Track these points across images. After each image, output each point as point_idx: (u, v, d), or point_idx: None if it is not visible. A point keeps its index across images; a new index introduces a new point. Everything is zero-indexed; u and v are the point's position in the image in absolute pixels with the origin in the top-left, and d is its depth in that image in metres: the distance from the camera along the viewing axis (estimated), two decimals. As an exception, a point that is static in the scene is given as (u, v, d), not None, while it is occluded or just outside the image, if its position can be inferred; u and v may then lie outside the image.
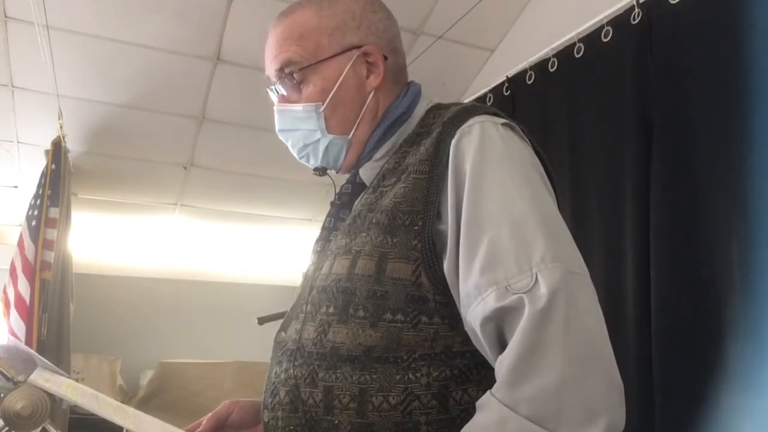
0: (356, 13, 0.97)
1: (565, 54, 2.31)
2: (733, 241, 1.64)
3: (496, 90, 2.69)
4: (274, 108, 1.00)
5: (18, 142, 3.18)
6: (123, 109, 3.09)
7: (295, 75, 0.95)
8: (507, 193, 0.81)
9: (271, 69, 0.99)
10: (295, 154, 1.02)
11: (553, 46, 2.35)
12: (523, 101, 2.54)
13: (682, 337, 1.73)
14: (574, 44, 2.24)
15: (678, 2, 1.85)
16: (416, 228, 0.83)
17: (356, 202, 0.96)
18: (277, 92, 0.99)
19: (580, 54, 2.22)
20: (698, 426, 1.67)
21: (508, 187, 0.81)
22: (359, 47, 0.96)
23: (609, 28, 2.09)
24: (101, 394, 0.96)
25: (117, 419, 0.92)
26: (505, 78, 2.62)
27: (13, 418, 0.94)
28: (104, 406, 0.94)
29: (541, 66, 2.43)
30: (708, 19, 1.78)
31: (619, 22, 2.05)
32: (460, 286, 0.80)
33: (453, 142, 0.84)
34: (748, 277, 1.59)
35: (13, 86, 2.88)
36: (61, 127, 2.89)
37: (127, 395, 3.54)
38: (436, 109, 0.98)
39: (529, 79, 2.49)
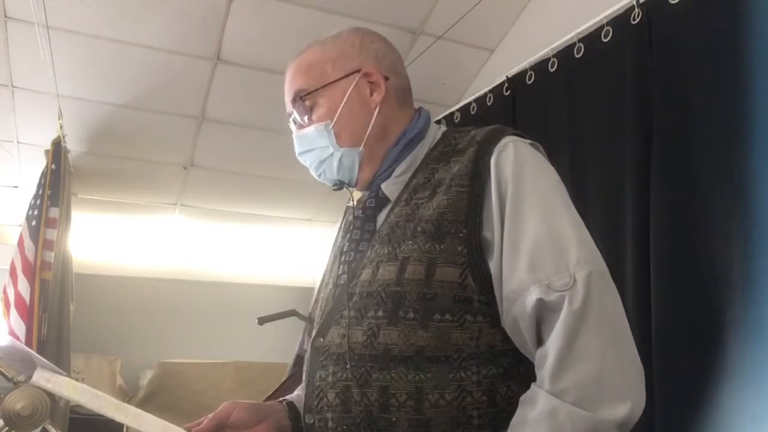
0: (356, 43, 1.09)
1: (565, 54, 2.30)
2: (733, 240, 1.64)
3: (496, 90, 2.68)
4: (293, 136, 1.10)
5: (18, 142, 3.18)
6: (123, 109, 3.09)
7: (306, 101, 1.06)
8: (544, 202, 0.92)
9: (287, 102, 1.10)
10: (314, 174, 1.11)
11: (553, 46, 2.35)
12: (523, 101, 2.54)
13: (682, 337, 1.73)
14: (574, 44, 2.24)
15: (678, 2, 1.85)
16: (461, 235, 0.91)
17: (385, 214, 1.03)
18: (295, 122, 1.10)
19: (580, 54, 2.22)
20: (698, 426, 1.67)
21: (544, 196, 0.93)
22: (360, 70, 1.06)
23: (609, 28, 2.09)
24: (101, 392, 0.96)
25: (118, 417, 0.92)
26: (505, 78, 2.62)
27: (13, 418, 0.94)
28: (105, 404, 0.94)
29: (541, 66, 2.43)
30: (708, 19, 1.78)
31: (619, 22, 2.05)
32: (504, 284, 0.89)
33: (492, 159, 0.95)
34: (748, 277, 1.59)
35: (13, 86, 2.88)
36: (61, 127, 2.89)
37: (127, 395, 3.54)
38: (455, 131, 1.07)
39: (529, 79, 2.48)
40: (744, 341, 1.59)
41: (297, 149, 1.10)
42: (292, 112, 1.09)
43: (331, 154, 1.05)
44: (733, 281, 1.63)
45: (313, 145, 1.06)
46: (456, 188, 0.94)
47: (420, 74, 3.21)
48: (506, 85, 2.61)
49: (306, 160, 1.10)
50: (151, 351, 3.75)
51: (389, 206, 1.04)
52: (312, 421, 0.97)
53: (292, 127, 1.11)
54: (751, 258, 1.59)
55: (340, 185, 1.09)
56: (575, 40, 2.24)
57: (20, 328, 2.63)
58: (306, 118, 1.07)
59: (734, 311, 1.62)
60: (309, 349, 1.02)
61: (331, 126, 1.04)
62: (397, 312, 0.91)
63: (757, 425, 1.54)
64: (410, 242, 0.94)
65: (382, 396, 0.89)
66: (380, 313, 0.92)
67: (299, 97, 1.06)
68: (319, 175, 1.10)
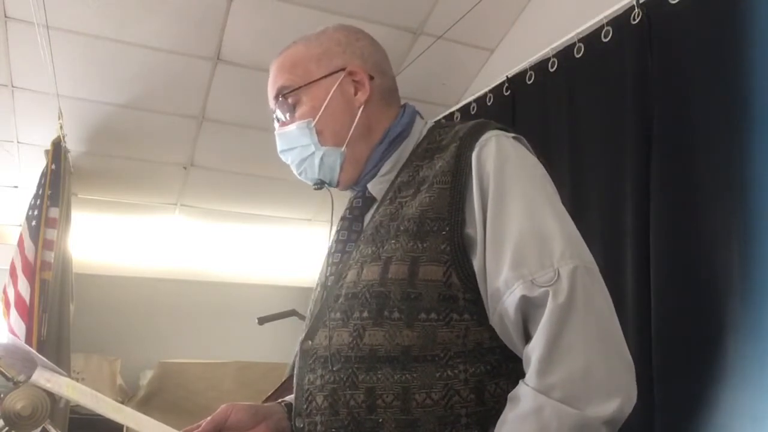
0: (341, 41, 1.07)
1: (565, 54, 2.31)
2: (733, 240, 1.64)
3: (496, 90, 2.69)
4: (275, 134, 1.09)
5: (18, 142, 3.18)
6: (123, 109, 3.09)
7: (289, 99, 1.05)
8: (527, 197, 0.90)
9: (270, 99, 1.08)
10: (295, 172, 1.10)
11: (553, 46, 2.35)
12: (523, 101, 2.54)
13: (682, 337, 1.73)
14: (574, 44, 2.24)
15: (678, 2, 1.85)
16: (444, 233, 0.90)
17: (371, 214, 1.03)
18: (278, 119, 1.08)
19: (580, 54, 2.22)
20: (698, 426, 1.67)
21: (526, 190, 0.91)
22: (345, 69, 1.04)
23: (609, 28, 2.09)
24: (100, 393, 0.96)
25: (117, 418, 0.92)
26: (505, 78, 2.62)
27: (13, 418, 0.94)
28: (104, 405, 0.94)
29: (541, 66, 2.43)
30: (708, 19, 1.78)
31: (619, 22, 2.05)
32: (488, 282, 0.88)
33: (474, 154, 0.93)
34: (748, 276, 1.59)
35: (13, 86, 2.88)
36: (61, 127, 2.89)
37: (127, 395, 3.54)
38: (440, 127, 1.06)
39: (529, 79, 2.49)
40: (744, 342, 1.59)
41: (279, 147, 1.09)
42: (275, 110, 1.08)
43: (312, 153, 1.04)
44: (733, 282, 1.63)
45: (295, 143, 1.05)
46: (438, 185, 0.93)
47: (420, 74, 3.22)
48: (506, 85, 2.61)
49: (287, 158, 1.09)
50: (151, 351, 3.75)
51: (375, 206, 1.03)
52: (302, 425, 0.97)
53: (275, 124, 1.09)
54: (751, 259, 1.59)
55: (320, 185, 1.08)
56: (575, 40, 2.24)
57: (20, 328, 2.63)
58: (288, 115, 1.06)
59: (734, 312, 1.62)
60: (298, 352, 1.01)
61: (313, 124, 1.03)
62: (381, 312, 0.90)
63: (756, 426, 1.54)
64: (393, 241, 0.93)
65: (369, 397, 0.89)
66: (365, 314, 0.91)
67: (282, 95, 1.05)
68: (300, 174, 1.09)
